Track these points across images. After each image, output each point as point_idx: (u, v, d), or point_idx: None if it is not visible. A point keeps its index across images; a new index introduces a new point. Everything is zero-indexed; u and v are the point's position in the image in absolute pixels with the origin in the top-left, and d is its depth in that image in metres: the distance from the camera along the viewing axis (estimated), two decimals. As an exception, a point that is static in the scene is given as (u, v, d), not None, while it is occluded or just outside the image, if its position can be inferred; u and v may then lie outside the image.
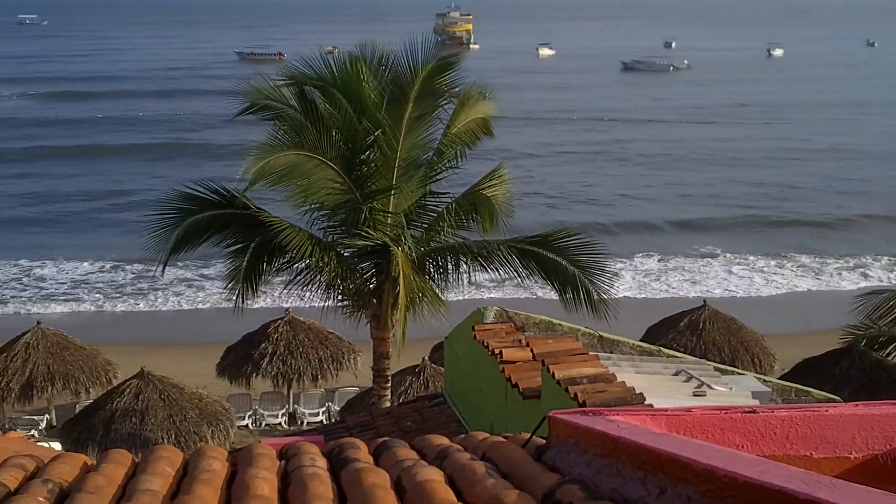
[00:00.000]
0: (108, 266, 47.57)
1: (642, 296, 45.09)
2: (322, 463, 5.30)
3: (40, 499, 4.55)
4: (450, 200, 20.10)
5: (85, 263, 48.04)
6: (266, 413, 30.18)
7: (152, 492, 4.61)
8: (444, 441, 5.71)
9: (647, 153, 79.41)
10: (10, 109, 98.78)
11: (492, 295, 39.09)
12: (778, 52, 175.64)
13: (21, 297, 44.51)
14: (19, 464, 5.43)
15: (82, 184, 63.49)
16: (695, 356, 20.25)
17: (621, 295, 21.74)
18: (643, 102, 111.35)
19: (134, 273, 46.22)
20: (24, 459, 5.55)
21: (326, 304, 20.59)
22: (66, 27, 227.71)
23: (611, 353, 12.61)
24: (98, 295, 45.04)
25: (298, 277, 20.29)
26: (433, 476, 4.67)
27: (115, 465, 5.30)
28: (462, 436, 6.02)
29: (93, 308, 43.75)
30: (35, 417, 29.39)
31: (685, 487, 3.72)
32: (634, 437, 4.20)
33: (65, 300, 44.26)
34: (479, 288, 35.43)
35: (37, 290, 45.35)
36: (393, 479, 4.79)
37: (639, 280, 47.68)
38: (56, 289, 45.43)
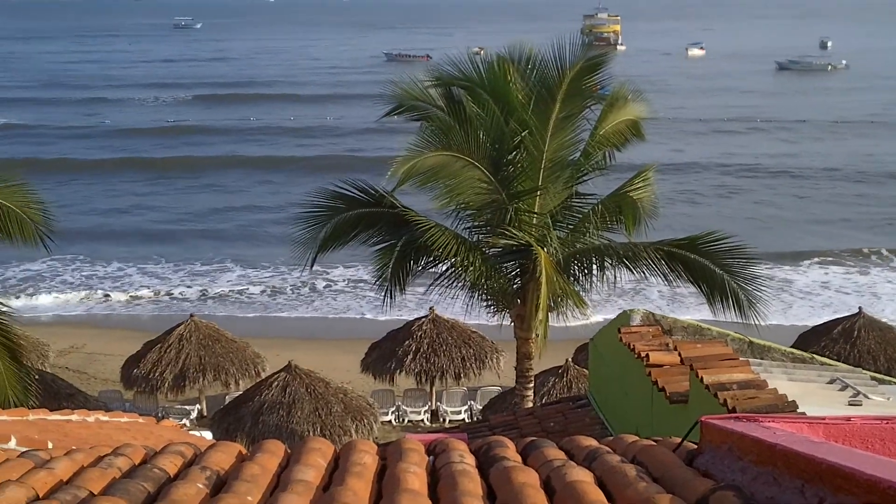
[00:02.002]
0: (270, 272, 48.73)
1: (794, 301, 43.93)
2: (471, 460, 5.32)
3: (199, 485, 4.70)
4: (595, 202, 19.95)
5: (249, 270, 49.33)
6: (409, 409, 30.48)
7: (306, 482, 4.71)
8: (593, 443, 5.67)
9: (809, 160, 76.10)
10: (167, 114, 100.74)
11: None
12: None
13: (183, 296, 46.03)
14: (178, 451, 5.62)
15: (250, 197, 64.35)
16: (848, 364, 19.64)
17: (773, 299, 21.12)
18: (800, 103, 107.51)
19: (289, 274, 47.26)
20: (183, 447, 5.73)
21: (470, 303, 20.70)
22: (218, 30, 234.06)
23: (762, 359, 12.33)
24: (253, 291, 46.39)
25: (443, 276, 20.44)
26: (583, 477, 4.65)
27: (270, 455, 5.43)
28: (611, 438, 5.98)
29: (245, 305, 44.94)
30: (187, 407, 30.31)
31: (846, 498, 3.61)
32: (792, 445, 4.10)
33: (218, 299, 45.61)
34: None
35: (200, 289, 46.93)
36: (542, 479, 4.78)
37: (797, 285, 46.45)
38: (216, 290, 46.91)
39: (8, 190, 18.30)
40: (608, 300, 35.00)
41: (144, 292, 46.64)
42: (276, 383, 26.18)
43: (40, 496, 4.58)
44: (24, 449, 6.80)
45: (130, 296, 45.89)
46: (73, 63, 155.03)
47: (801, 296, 44.99)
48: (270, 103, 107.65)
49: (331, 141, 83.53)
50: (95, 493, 4.60)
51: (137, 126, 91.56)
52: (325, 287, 46.37)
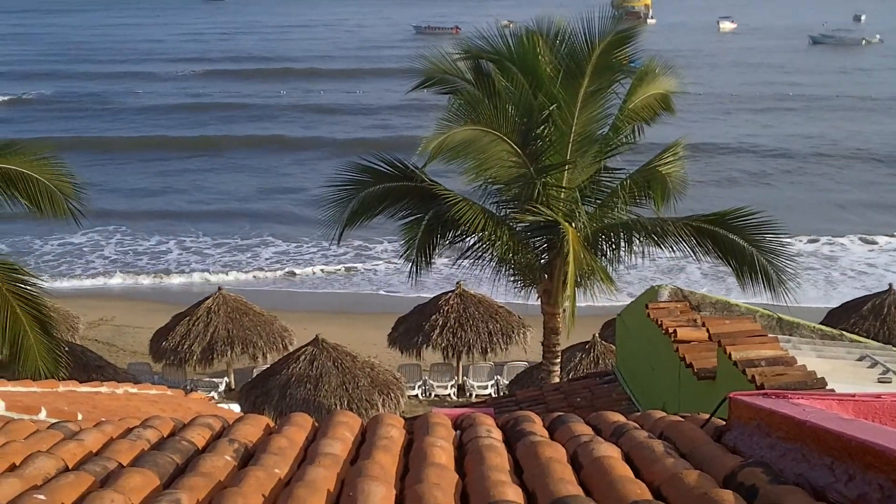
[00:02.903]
0: (301, 247, 48.89)
1: (823, 278, 43.62)
2: (497, 434, 5.32)
3: (227, 457, 4.72)
4: (624, 176, 19.85)
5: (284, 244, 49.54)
6: (436, 384, 30.55)
7: (333, 455, 4.72)
8: (620, 418, 5.66)
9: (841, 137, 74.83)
10: (196, 90, 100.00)
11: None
12: None
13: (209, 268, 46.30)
14: (206, 423, 5.65)
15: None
16: (878, 342, 19.50)
17: (803, 276, 20.93)
18: (833, 78, 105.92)
19: (317, 248, 47.39)
20: (211, 419, 5.77)
21: (498, 277, 20.70)
22: (246, 2, 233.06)
23: (790, 335, 12.25)
24: (277, 264, 46.60)
25: (470, 251, 20.44)
26: (610, 452, 4.64)
27: (297, 429, 5.45)
28: (638, 413, 5.95)
29: (271, 277, 45.12)
30: (215, 380, 30.51)
31: (876, 475, 3.58)
32: (822, 422, 4.07)
33: (247, 271, 45.82)
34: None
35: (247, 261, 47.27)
36: (569, 454, 4.77)
37: (822, 262, 46.08)
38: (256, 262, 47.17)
39: (38, 163, 18.41)
40: (648, 278, 34.89)
41: (179, 266, 46.92)
42: (303, 357, 26.28)
43: (69, 467, 4.61)
44: (54, 420, 6.85)
45: (164, 269, 46.11)
46: (99, 35, 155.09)
47: (833, 274, 44.66)
48: (299, 79, 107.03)
49: (361, 120, 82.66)
50: (124, 465, 4.63)
51: (166, 102, 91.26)
52: (353, 262, 46.44)
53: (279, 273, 45.59)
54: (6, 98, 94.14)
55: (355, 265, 46.22)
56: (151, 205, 56.71)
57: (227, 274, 45.15)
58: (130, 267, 46.62)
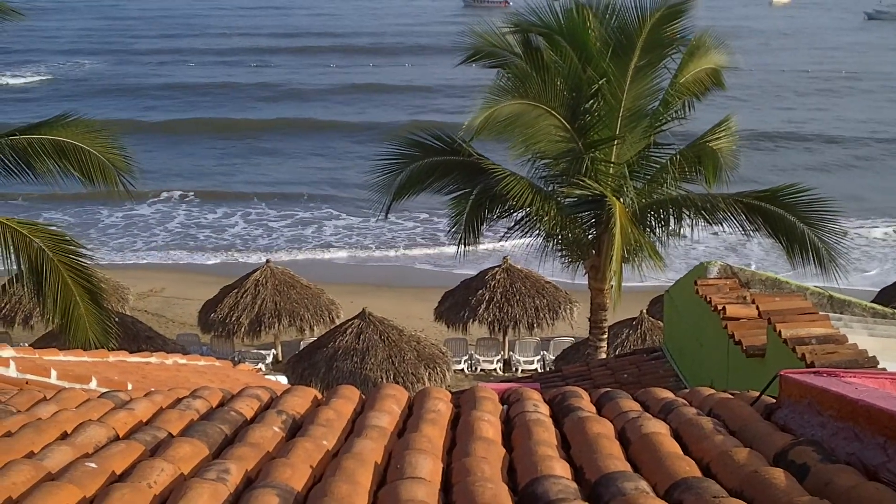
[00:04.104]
0: (350, 220, 49.14)
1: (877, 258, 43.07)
2: (545, 409, 5.31)
3: (275, 429, 4.75)
4: (674, 152, 19.68)
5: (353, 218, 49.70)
6: (481, 358, 30.58)
7: (380, 428, 4.73)
8: (669, 395, 5.62)
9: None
10: (244, 69, 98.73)
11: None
12: None
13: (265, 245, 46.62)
14: (254, 394, 5.69)
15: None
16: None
17: (854, 254, 20.66)
18: (890, 56, 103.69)
19: (366, 221, 47.55)
20: (259, 391, 5.80)
21: (545, 252, 20.64)
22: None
23: (841, 313, 12.11)
24: (330, 238, 46.84)
25: (518, 225, 20.39)
26: (659, 429, 4.61)
27: (345, 401, 5.47)
28: (687, 390, 5.91)
29: (322, 251, 45.34)
30: (262, 352, 30.74)
31: (931, 456, 3.53)
32: (875, 401, 4.01)
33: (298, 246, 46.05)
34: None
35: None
36: (617, 430, 4.76)
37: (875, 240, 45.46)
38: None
39: (90, 136, 18.56)
40: (708, 254, 34.58)
41: (242, 239, 47.38)
42: (350, 330, 26.39)
43: (120, 436, 4.66)
44: (105, 390, 6.92)
45: (226, 244, 46.48)
46: (147, 10, 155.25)
47: (884, 253, 44.06)
48: (349, 56, 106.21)
49: (410, 101, 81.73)
50: (174, 434, 4.67)
51: (211, 80, 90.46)
52: (399, 234, 46.53)
53: (327, 245, 45.77)
54: (44, 77, 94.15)
55: (400, 237, 46.31)
56: (214, 182, 56.84)
57: (283, 246, 45.37)
58: (192, 239, 47.06)
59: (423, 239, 45.89)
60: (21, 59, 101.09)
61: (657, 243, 19.63)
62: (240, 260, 43.02)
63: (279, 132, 69.43)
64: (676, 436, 4.60)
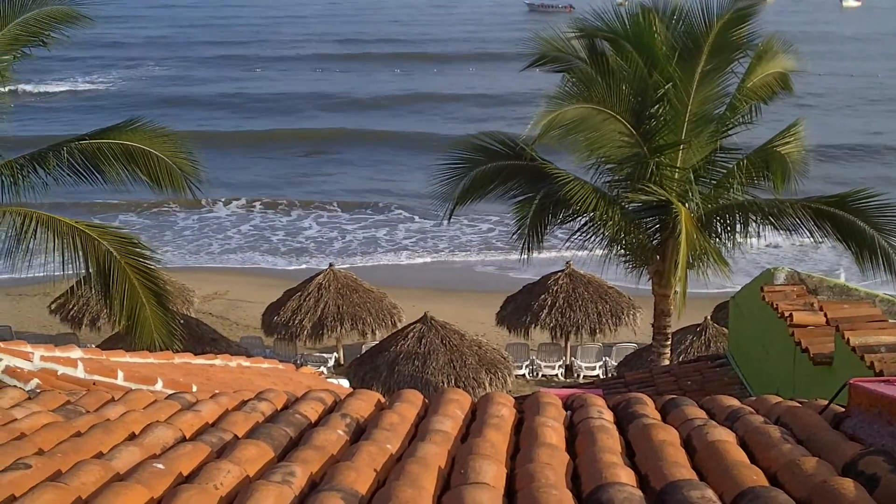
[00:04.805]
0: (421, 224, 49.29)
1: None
2: (609, 416, 5.28)
3: (339, 432, 4.77)
4: (741, 156, 19.47)
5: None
6: (543, 364, 30.47)
7: (444, 433, 4.73)
8: (735, 402, 5.57)
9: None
10: (313, 77, 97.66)
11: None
12: None
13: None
14: (319, 398, 5.72)
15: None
16: None
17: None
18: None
19: (428, 225, 47.66)
20: (323, 394, 5.84)
21: (608, 258, 20.53)
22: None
23: (912, 322, 11.89)
24: (392, 244, 47.03)
25: (581, 230, 20.31)
26: (725, 437, 4.56)
27: (408, 405, 5.48)
28: (753, 398, 5.84)
29: (386, 256, 45.50)
30: (325, 355, 30.90)
31: None
32: (949, 412, 3.94)
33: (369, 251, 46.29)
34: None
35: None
36: (682, 438, 4.71)
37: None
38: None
39: (158, 140, 18.82)
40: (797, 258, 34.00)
41: (316, 242, 47.74)
42: (411, 334, 26.46)
43: (187, 437, 4.72)
44: (171, 391, 7.00)
45: (291, 247, 46.87)
46: (213, 16, 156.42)
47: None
48: (413, 63, 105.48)
49: (474, 110, 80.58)
50: (240, 436, 4.71)
51: (274, 91, 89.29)
52: (461, 238, 46.57)
53: (392, 249, 45.90)
54: (112, 84, 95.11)
55: (463, 240, 46.35)
56: (284, 191, 57.01)
57: (348, 250, 45.61)
58: (265, 242, 47.55)
59: (486, 243, 45.83)
60: (90, 65, 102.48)
61: (723, 249, 19.42)
62: (304, 265, 43.28)
63: (343, 142, 69.40)
64: (743, 444, 4.55)
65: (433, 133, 68.38)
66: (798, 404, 5.35)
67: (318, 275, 31.15)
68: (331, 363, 30.59)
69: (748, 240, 19.79)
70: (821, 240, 18.85)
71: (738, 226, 19.25)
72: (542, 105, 18.55)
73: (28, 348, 9.48)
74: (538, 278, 30.90)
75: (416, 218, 49.84)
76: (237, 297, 37.53)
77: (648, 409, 5.42)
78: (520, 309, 30.08)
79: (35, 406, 5.50)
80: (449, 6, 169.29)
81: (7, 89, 19.57)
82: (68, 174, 18.62)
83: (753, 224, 19.02)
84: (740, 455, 4.23)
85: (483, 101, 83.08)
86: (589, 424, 4.91)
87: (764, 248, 33.17)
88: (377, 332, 29.96)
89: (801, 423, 4.82)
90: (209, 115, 78.15)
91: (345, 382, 23.02)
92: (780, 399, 5.59)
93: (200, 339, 26.15)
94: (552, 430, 4.79)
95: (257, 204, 53.34)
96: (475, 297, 36.01)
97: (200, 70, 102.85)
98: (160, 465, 3.94)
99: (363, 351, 28.67)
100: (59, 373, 8.99)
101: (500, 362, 26.46)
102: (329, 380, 21.65)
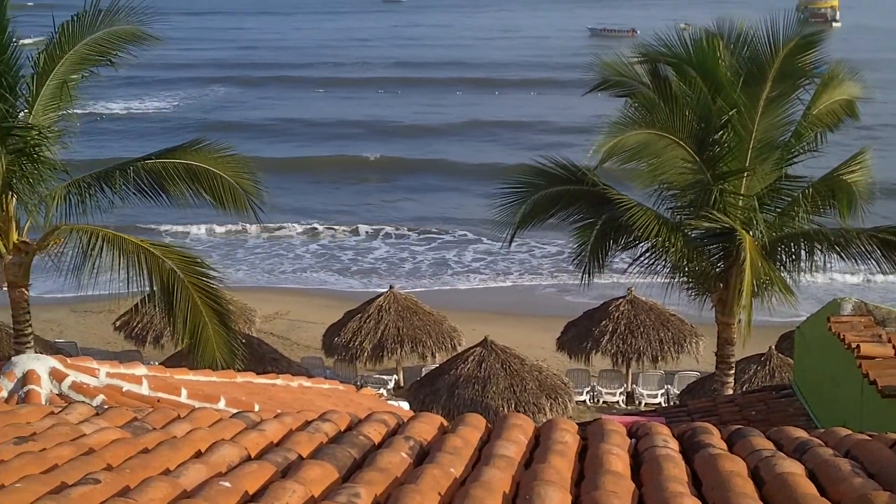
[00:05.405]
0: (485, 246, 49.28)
1: None
2: (674, 445, 5.23)
3: (403, 454, 4.76)
4: (806, 184, 19.24)
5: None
6: (604, 390, 30.24)
7: (508, 458, 4.71)
8: (803, 434, 5.48)
9: None
10: (373, 103, 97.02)
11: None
12: None
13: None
14: (382, 419, 5.73)
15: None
16: None
17: None
18: None
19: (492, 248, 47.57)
20: (386, 416, 5.84)
21: (670, 285, 20.36)
22: (425, 3, 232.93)
23: (984, 355, 11.63)
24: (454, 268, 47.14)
25: (643, 257, 20.18)
26: (794, 469, 4.50)
27: (472, 429, 5.47)
28: (822, 430, 5.75)
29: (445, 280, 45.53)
30: (384, 377, 30.93)
31: None
32: None
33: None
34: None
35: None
36: (750, 468, 4.65)
37: None
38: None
39: (222, 160, 19.06)
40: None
41: (385, 263, 47.95)
42: (472, 358, 26.40)
43: (252, 456, 4.74)
44: (233, 410, 7.06)
45: (357, 268, 47.19)
46: (275, 39, 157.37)
47: None
48: (473, 88, 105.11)
49: (535, 137, 79.50)
50: (304, 457, 4.73)
51: (336, 117, 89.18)
52: (532, 262, 46.50)
53: (456, 277, 45.88)
54: (176, 104, 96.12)
55: (524, 264, 46.27)
56: (350, 217, 57.01)
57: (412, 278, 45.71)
58: (335, 261, 47.97)
59: (554, 266, 45.59)
60: (153, 86, 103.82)
61: (788, 277, 19.18)
62: (364, 284, 43.49)
63: (406, 169, 69.29)
64: (812, 477, 4.48)
65: (496, 162, 68.07)
66: (868, 437, 5.26)
67: (378, 297, 31.24)
68: (390, 385, 30.61)
69: (813, 269, 19.53)
70: (889, 270, 18.53)
71: (803, 254, 19.01)
72: (604, 130, 18.50)
73: (94, 364, 9.61)
74: (599, 304, 30.73)
75: (484, 239, 49.65)
76: (298, 317, 37.75)
77: (714, 438, 5.36)
78: (581, 334, 29.92)
79: (103, 422, 5.57)
80: (511, 30, 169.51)
81: (76, 111, 19.93)
82: (134, 193, 18.95)
83: (819, 253, 18.77)
84: (810, 488, 4.17)
85: (544, 126, 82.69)
86: (654, 453, 4.86)
87: (830, 278, 32.71)
88: (437, 354, 29.94)
89: (872, 456, 4.73)
90: (271, 139, 78.67)
91: (405, 405, 23.03)
92: (849, 431, 5.50)
93: (261, 358, 26.32)
94: (617, 457, 4.75)
95: (324, 226, 53.65)
96: (535, 321, 35.88)
97: (262, 92, 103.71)
98: (226, 484, 3.97)
99: (423, 374, 28.67)
100: (123, 389, 9.10)
101: (561, 388, 26.31)
102: (389, 402, 21.69)
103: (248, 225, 49.25)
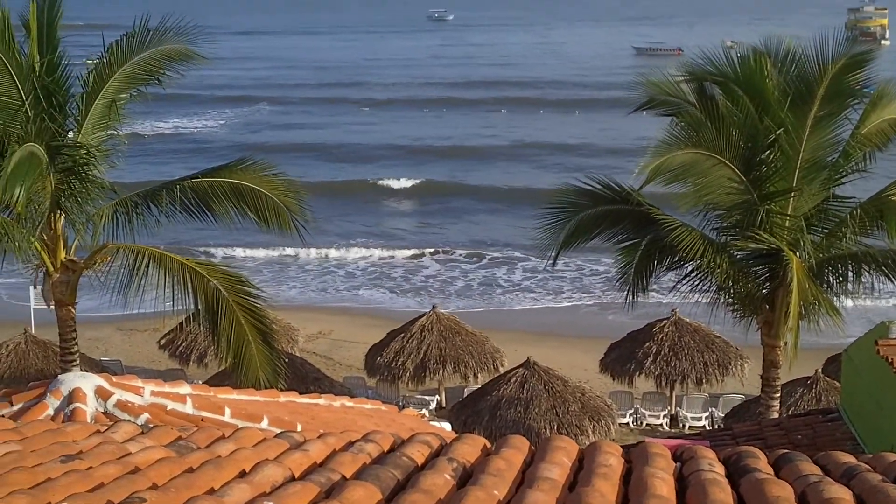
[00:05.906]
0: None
1: None
2: (720, 469, 5.17)
3: (447, 476, 4.75)
4: (854, 205, 19.02)
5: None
6: (647, 413, 30.01)
7: (552, 480, 4.68)
8: (851, 459, 5.40)
9: None
10: (416, 125, 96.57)
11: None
12: None
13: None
14: (425, 441, 5.71)
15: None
16: None
17: None
18: None
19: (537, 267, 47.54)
20: (429, 437, 5.82)
21: (715, 306, 20.19)
22: (467, 22, 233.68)
23: None
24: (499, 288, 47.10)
25: (688, 277, 20.03)
26: (841, 494, 4.43)
27: (515, 451, 5.44)
28: (870, 455, 5.66)
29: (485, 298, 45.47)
30: (426, 397, 30.89)
31: None
32: None
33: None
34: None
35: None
36: (797, 493, 4.59)
37: None
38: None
39: (267, 179, 19.18)
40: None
41: (428, 281, 48.20)
42: (514, 379, 26.30)
43: (296, 476, 4.75)
44: (277, 429, 7.07)
45: (409, 287, 47.31)
46: (321, 58, 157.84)
47: None
48: (518, 108, 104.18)
49: (579, 159, 78.57)
50: (347, 477, 4.73)
51: (379, 142, 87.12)
52: (568, 282, 46.38)
53: (502, 297, 45.81)
54: (222, 124, 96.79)
55: (569, 285, 46.15)
56: (394, 242, 56.99)
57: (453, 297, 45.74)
58: (387, 279, 48.39)
59: (600, 286, 45.34)
60: (198, 106, 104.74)
61: (835, 299, 18.95)
62: (406, 304, 43.52)
63: (450, 193, 69.16)
64: (860, 502, 4.41)
65: (541, 187, 67.52)
66: (919, 463, 5.17)
67: (420, 317, 31.25)
68: (432, 406, 30.57)
69: (861, 291, 19.29)
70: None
71: (850, 276, 18.78)
72: (649, 150, 18.41)
73: (139, 383, 9.68)
74: (643, 324, 30.54)
75: (533, 258, 49.52)
76: (341, 336, 37.86)
77: (761, 463, 5.29)
78: (624, 356, 29.74)
79: (148, 441, 5.60)
80: (557, 48, 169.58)
81: (124, 131, 20.15)
82: (180, 211, 19.12)
83: (867, 274, 18.54)
84: (859, 514, 4.10)
85: (589, 147, 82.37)
86: (700, 477, 4.80)
87: (878, 300, 32.30)
88: (479, 375, 29.87)
89: (923, 482, 4.65)
90: (314, 160, 78.83)
91: (447, 425, 22.97)
92: (899, 457, 5.42)
93: (304, 378, 26.41)
94: (662, 481, 4.70)
95: (373, 247, 53.98)
96: (578, 343, 35.74)
97: (307, 111, 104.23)
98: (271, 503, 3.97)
99: (465, 394, 28.61)
100: (168, 408, 9.15)
101: (604, 410, 26.14)
102: (431, 422, 21.66)
103: (298, 249, 49.74)
